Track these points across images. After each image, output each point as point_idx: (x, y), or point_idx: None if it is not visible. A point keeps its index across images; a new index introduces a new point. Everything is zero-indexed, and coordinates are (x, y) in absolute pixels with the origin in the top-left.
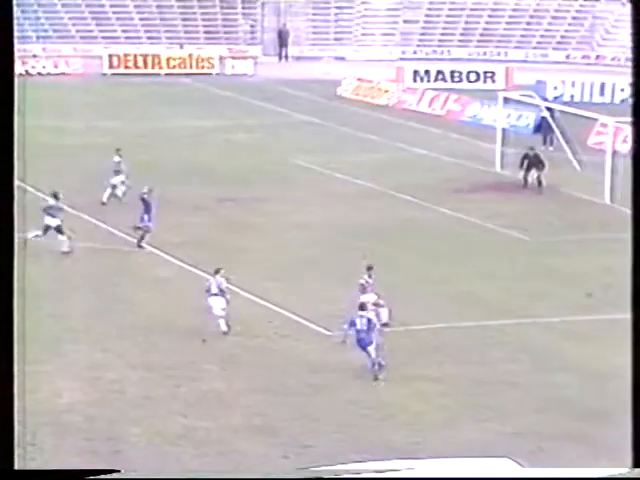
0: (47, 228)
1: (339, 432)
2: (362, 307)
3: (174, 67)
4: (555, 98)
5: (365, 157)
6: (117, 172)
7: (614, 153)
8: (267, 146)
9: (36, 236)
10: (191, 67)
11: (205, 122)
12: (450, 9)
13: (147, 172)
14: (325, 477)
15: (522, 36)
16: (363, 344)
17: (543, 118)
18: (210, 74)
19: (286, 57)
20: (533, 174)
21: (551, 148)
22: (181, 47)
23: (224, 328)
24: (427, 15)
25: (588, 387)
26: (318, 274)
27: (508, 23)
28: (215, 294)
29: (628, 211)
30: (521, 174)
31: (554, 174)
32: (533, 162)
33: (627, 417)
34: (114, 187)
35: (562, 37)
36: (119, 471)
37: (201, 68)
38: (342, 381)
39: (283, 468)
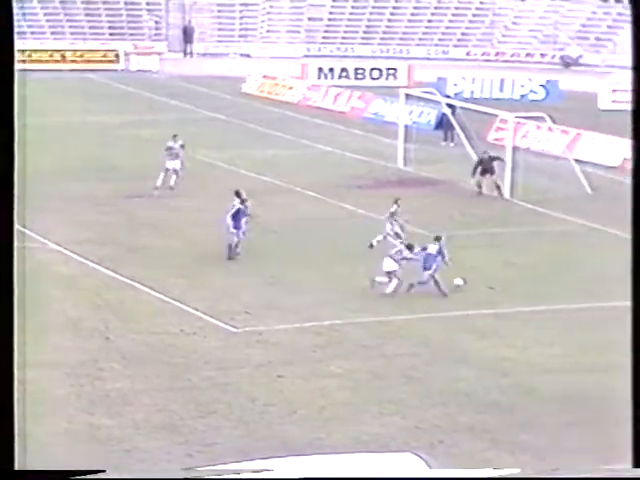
0: None
1: (242, 429)
2: (437, 239)
3: (78, 62)
4: (456, 94)
5: (270, 153)
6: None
7: (514, 149)
8: None
9: None
10: (95, 63)
11: (110, 118)
12: (353, 7)
13: (51, 169)
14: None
15: (424, 33)
16: (427, 266)
17: (444, 114)
18: (115, 70)
19: (191, 54)
20: (488, 179)
21: (452, 144)
22: (85, 42)
23: None
24: (331, 13)
25: (488, 380)
26: (223, 271)
27: (410, 21)
28: None
29: (529, 205)
30: (474, 180)
31: (455, 170)
32: (488, 167)
33: (526, 409)
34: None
35: (462, 34)
36: (105, 471)
37: (106, 64)
38: (245, 378)
39: (186, 466)
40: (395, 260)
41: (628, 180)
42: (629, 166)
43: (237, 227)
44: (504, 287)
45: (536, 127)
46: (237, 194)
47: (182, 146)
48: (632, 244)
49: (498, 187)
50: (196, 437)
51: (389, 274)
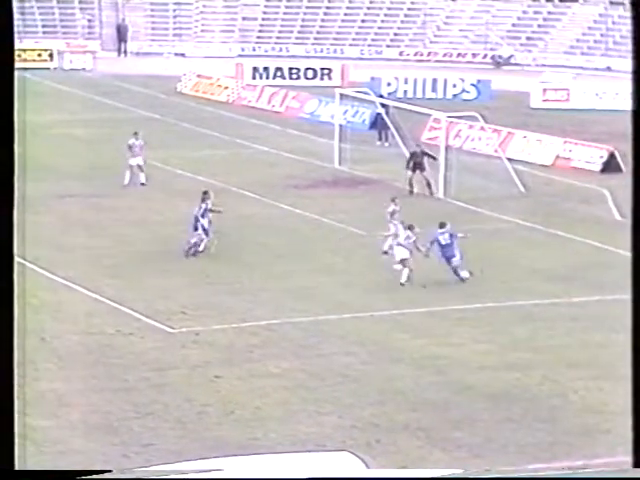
0: None
1: (179, 430)
2: (442, 225)
3: (16, 62)
4: (389, 94)
5: (206, 153)
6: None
7: (447, 148)
8: (106, 142)
9: None
10: (31, 62)
11: (42, 117)
12: (287, 7)
13: None
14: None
15: (357, 34)
16: (447, 256)
17: (378, 114)
18: (48, 68)
19: (125, 52)
20: (418, 175)
21: (387, 144)
22: (21, 41)
23: None
24: (265, 12)
25: (423, 378)
26: (159, 271)
27: (343, 21)
28: None
29: (462, 204)
30: (407, 175)
31: (389, 169)
32: (419, 161)
33: (462, 406)
34: None
35: (395, 34)
36: (109, 471)
37: (38, 62)
38: (182, 379)
39: (123, 467)
40: (405, 247)
41: (559, 178)
42: (561, 164)
43: (203, 227)
44: (438, 285)
45: (468, 127)
46: (205, 194)
47: (142, 145)
48: (632, 244)
49: (429, 184)
50: (132, 438)
51: (402, 262)
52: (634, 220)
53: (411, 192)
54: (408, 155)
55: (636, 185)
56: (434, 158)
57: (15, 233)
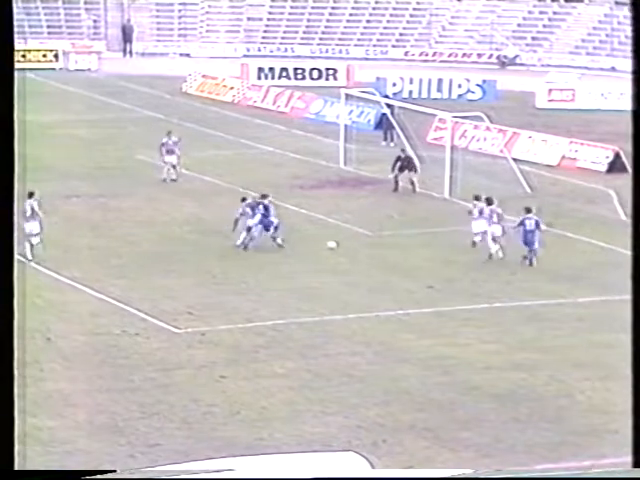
0: None
1: (185, 430)
2: (528, 210)
3: (21, 62)
4: (395, 94)
5: (211, 153)
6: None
7: (453, 148)
8: (112, 142)
9: None
10: (36, 62)
11: (48, 117)
12: (292, 7)
13: None
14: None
15: (362, 34)
16: (529, 241)
17: (383, 114)
18: (53, 69)
19: (130, 53)
20: (405, 176)
21: (392, 144)
22: (25, 42)
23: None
24: (270, 13)
25: (429, 379)
26: (165, 271)
27: (348, 21)
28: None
29: (467, 204)
30: (392, 175)
31: None
32: (405, 164)
33: (469, 406)
34: None
35: (400, 35)
36: (113, 471)
37: (44, 63)
38: (188, 379)
39: (129, 467)
40: (487, 219)
41: (565, 179)
42: (567, 164)
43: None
44: (444, 286)
45: (474, 127)
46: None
47: (175, 142)
48: (632, 244)
49: (412, 183)
50: (139, 438)
51: (495, 239)
52: (634, 220)
53: (395, 189)
54: (394, 158)
55: (636, 185)
56: (416, 168)
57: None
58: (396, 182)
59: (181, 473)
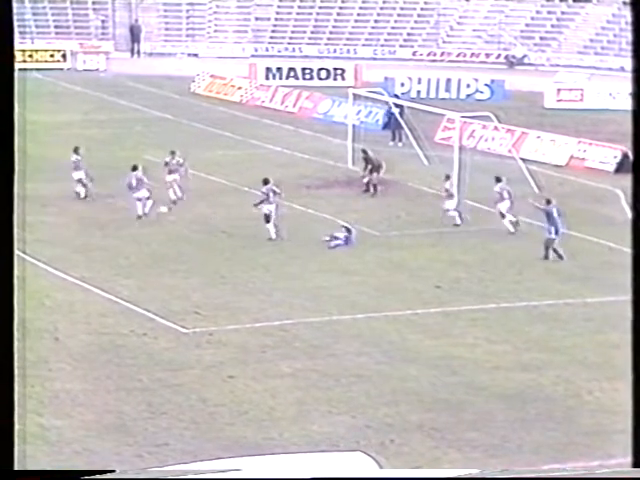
0: None
1: (193, 430)
2: (548, 202)
3: (27, 62)
4: (403, 94)
5: (219, 153)
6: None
7: (461, 148)
8: (120, 142)
9: None
10: (43, 62)
11: (55, 117)
12: (300, 7)
13: None
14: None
15: (370, 34)
16: (558, 228)
17: (392, 114)
18: (61, 69)
19: (138, 53)
20: (375, 177)
21: (400, 144)
22: (32, 42)
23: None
24: (278, 12)
25: (437, 379)
26: (173, 271)
27: (356, 21)
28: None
29: (474, 203)
30: (364, 174)
31: (403, 169)
32: (370, 163)
33: (477, 406)
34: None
35: (408, 34)
36: (113, 471)
37: (51, 63)
38: (196, 379)
39: (137, 467)
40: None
41: (573, 178)
42: (575, 164)
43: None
44: (452, 286)
45: (482, 127)
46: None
47: (180, 163)
48: (632, 244)
49: (375, 185)
50: (146, 438)
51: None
52: (634, 220)
53: (366, 190)
54: (363, 159)
55: (636, 185)
56: (379, 166)
57: (27, 233)
58: (367, 184)
59: (189, 473)
